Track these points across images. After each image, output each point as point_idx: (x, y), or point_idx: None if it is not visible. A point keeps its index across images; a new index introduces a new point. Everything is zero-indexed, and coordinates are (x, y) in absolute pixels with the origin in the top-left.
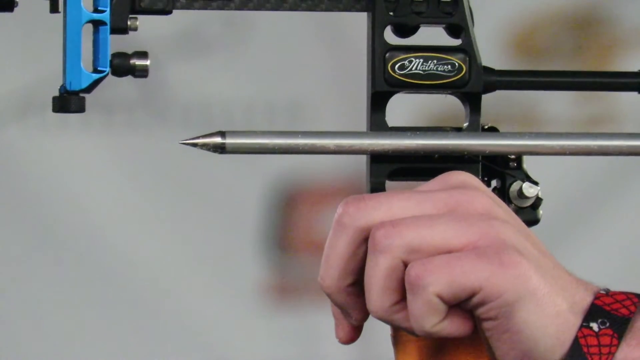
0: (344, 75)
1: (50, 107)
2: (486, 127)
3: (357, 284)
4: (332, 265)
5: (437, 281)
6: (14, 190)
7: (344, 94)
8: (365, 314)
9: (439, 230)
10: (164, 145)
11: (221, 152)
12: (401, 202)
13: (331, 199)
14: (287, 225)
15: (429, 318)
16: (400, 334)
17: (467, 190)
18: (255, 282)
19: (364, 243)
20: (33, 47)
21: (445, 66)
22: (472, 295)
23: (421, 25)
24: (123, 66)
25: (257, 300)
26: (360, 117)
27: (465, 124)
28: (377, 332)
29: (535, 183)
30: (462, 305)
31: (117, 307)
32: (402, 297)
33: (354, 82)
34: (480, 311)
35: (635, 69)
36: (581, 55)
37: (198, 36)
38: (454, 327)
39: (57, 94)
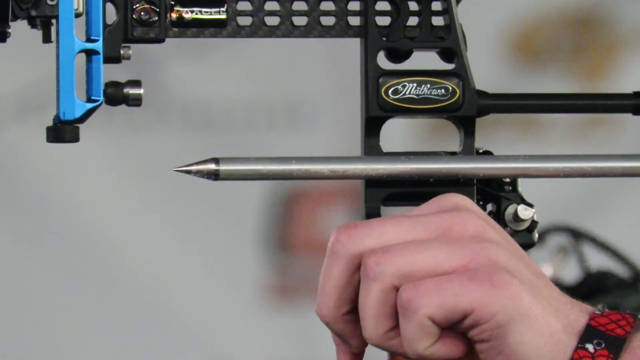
0: (344, 75)
1: (51, 107)
2: (481, 150)
3: (353, 311)
4: (327, 294)
5: (428, 304)
6: (14, 190)
7: (344, 94)
8: (364, 341)
9: (431, 254)
10: (164, 146)
11: (215, 179)
12: (393, 227)
13: (331, 199)
14: (287, 225)
15: (422, 341)
16: (397, 358)
17: (459, 212)
18: (255, 282)
19: (357, 270)
20: (33, 47)
21: (439, 90)
22: (464, 317)
23: (414, 50)
24: (117, 95)
25: (257, 300)
26: (359, 117)
27: (460, 148)
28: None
29: (530, 205)
30: (454, 327)
31: (117, 307)
32: (396, 323)
33: (354, 81)
34: (473, 333)
35: (635, 69)
36: (581, 55)
37: (197, 38)
38: (447, 349)
39: (55, 95)
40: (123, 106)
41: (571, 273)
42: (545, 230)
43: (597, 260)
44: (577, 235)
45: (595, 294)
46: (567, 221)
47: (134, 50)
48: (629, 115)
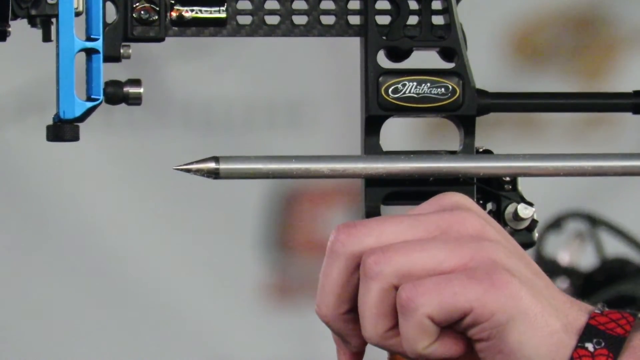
0: (343, 74)
1: (50, 107)
2: (481, 149)
3: (353, 311)
4: (327, 293)
5: (427, 303)
6: (14, 190)
7: (344, 93)
8: (364, 341)
9: (430, 253)
10: (164, 146)
11: (215, 178)
12: (392, 226)
13: (331, 198)
14: (287, 225)
15: (421, 340)
16: (397, 357)
17: (458, 211)
18: (255, 282)
19: (357, 270)
20: (33, 46)
21: (439, 89)
22: (464, 316)
23: (414, 49)
24: (116, 94)
25: (257, 300)
26: (359, 118)
27: (460, 147)
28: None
29: (531, 204)
30: (454, 326)
31: (116, 306)
32: (396, 322)
33: (354, 80)
34: (473, 332)
35: (635, 69)
36: (581, 55)
37: (197, 37)
38: (446, 348)
39: (55, 95)
40: (123, 105)
41: (588, 259)
42: (563, 216)
43: (614, 247)
44: (594, 221)
45: (611, 281)
46: (584, 207)
47: (134, 49)
48: (629, 115)
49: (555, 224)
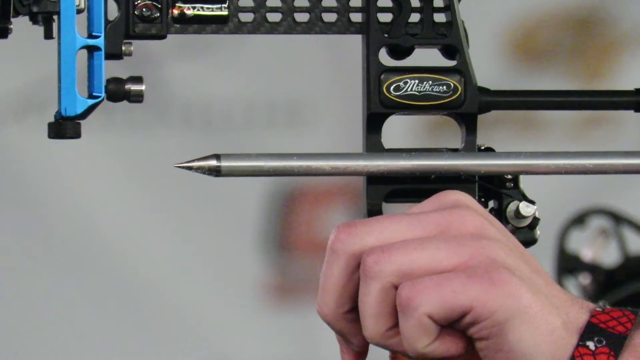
0: (345, 72)
1: (50, 107)
2: (482, 147)
3: (354, 310)
4: (328, 292)
5: (427, 301)
6: (14, 190)
7: (346, 91)
8: (365, 340)
9: (429, 252)
10: (164, 145)
11: (216, 175)
12: (392, 225)
13: (331, 198)
14: (287, 225)
15: (421, 339)
16: (398, 356)
17: (459, 210)
18: (255, 282)
19: (357, 269)
20: (33, 46)
21: (441, 87)
22: (464, 315)
23: (416, 46)
24: (118, 91)
25: (257, 300)
26: (360, 117)
27: (461, 145)
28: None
29: (532, 202)
30: (454, 325)
31: (116, 306)
32: (396, 321)
33: (355, 78)
34: (473, 331)
35: (635, 69)
36: (581, 55)
37: (198, 36)
38: (446, 347)
39: (56, 94)
40: (123, 104)
41: (611, 256)
42: (586, 212)
43: (637, 245)
44: (618, 218)
45: (633, 278)
46: (607, 204)
47: (135, 47)
48: (630, 113)
49: (579, 220)
